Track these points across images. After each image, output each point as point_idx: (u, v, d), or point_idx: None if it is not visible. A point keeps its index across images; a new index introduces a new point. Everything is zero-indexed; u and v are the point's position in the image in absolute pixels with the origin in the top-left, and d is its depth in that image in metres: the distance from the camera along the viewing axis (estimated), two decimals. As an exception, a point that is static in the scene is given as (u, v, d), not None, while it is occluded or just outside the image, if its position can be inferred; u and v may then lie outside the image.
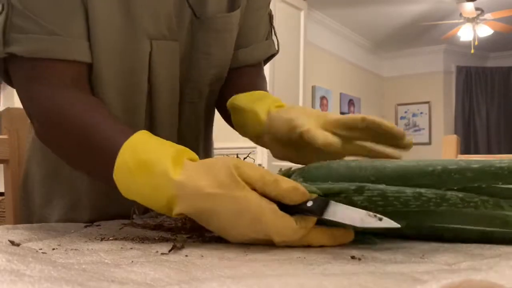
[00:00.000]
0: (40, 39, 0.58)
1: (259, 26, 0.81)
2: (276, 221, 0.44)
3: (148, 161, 0.49)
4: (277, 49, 0.85)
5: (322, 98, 5.21)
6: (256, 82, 0.78)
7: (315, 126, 0.59)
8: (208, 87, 0.75)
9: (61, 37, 0.59)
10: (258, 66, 0.83)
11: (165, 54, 0.68)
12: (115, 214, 0.70)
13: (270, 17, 0.83)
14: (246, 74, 0.80)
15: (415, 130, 6.29)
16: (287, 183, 0.45)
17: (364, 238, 0.50)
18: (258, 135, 0.68)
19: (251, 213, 0.44)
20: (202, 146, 0.83)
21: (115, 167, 0.50)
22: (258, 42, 0.81)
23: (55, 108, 0.58)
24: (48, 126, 0.60)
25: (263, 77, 0.83)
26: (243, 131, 0.72)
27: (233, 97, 0.72)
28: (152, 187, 0.48)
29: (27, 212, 0.77)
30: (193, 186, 0.46)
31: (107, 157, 0.51)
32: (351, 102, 5.80)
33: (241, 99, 0.71)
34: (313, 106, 5.05)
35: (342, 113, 5.60)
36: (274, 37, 0.85)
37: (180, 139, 0.75)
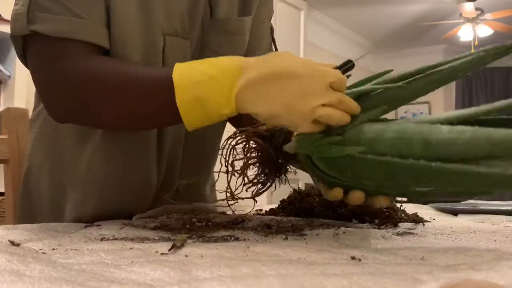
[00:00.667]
0: (64, 20, 0.59)
1: (263, 38, 0.84)
2: (330, 69, 0.52)
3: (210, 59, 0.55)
4: None
5: (322, 98, 5.21)
6: None
7: None
8: None
9: (84, 20, 0.61)
10: None
11: (177, 51, 0.70)
12: (115, 211, 0.71)
13: (271, 30, 0.87)
14: None
15: (415, 130, 6.29)
16: None
17: (365, 239, 0.50)
18: None
19: (312, 63, 0.51)
20: (211, 145, 0.83)
21: (174, 71, 0.53)
22: (262, 52, 0.83)
23: (86, 70, 0.59)
24: (80, 90, 0.59)
25: None
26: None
27: None
28: (218, 68, 0.52)
29: (27, 205, 0.77)
30: (256, 58, 0.52)
31: (161, 78, 0.54)
32: (351, 102, 5.80)
33: None
34: (313, 106, 5.04)
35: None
36: (273, 49, 0.88)
37: (188, 137, 0.76)
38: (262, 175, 0.59)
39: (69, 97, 0.60)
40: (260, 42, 0.84)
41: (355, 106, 0.52)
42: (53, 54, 0.60)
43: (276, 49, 0.89)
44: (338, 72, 0.52)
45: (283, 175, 0.60)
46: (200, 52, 0.74)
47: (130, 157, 0.71)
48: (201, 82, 0.52)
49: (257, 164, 0.60)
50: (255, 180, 0.60)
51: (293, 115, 0.50)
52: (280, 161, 0.59)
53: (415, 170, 0.46)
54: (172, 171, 0.76)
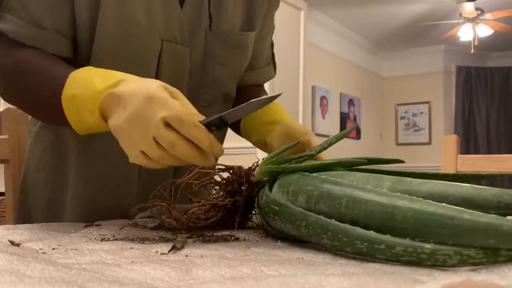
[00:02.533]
0: (25, 26, 0.63)
1: (263, 53, 0.89)
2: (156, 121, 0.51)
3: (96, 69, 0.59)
4: (275, 74, 0.96)
5: (322, 98, 5.21)
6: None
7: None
8: (222, 95, 0.81)
9: (45, 31, 0.64)
10: (261, 86, 0.93)
11: (174, 57, 0.72)
12: (102, 210, 0.73)
13: (272, 45, 0.93)
14: (253, 93, 0.88)
15: (415, 130, 6.29)
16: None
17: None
18: (260, 141, 0.78)
19: (142, 115, 0.52)
20: None
21: (67, 80, 0.57)
22: (262, 66, 0.90)
23: (13, 62, 0.64)
24: (7, 79, 0.66)
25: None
26: (248, 135, 0.82)
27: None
28: (99, 76, 0.57)
29: (25, 211, 0.78)
30: (123, 85, 0.55)
31: (58, 82, 0.58)
32: (351, 102, 5.79)
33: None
34: (313, 106, 5.04)
35: (342, 113, 5.60)
36: (273, 63, 0.95)
37: None
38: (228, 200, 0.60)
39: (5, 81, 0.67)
40: (261, 56, 0.89)
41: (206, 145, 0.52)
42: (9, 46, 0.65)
43: (274, 64, 0.95)
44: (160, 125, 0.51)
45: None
46: (203, 60, 0.77)
47: (113, 159, 0.73)
48: (80, 84, 0.57)
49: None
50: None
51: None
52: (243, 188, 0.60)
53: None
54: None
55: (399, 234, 0.38)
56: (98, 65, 0.66)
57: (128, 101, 0.53)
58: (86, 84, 0.56)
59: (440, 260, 0.35)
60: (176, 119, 0.51)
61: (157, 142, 0.51)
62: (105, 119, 0.56)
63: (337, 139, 0.58)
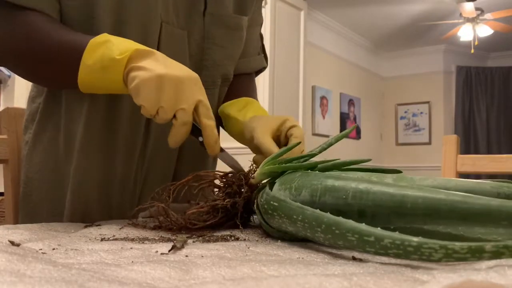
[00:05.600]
0: None
1: (253, 41, 0.92)
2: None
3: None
4: (267, 64, 0.98)
5: (322, 98, 5.21)
6: (249, 88, 0.91)
7: (265, 134, 0.70)
8: (221, 76, 0.84)
9: None
10: (251, 75, 0.95)
11: (172, 40, 0.75)
12: (103, 211, 0.73)
13: (261, 36, 0.97)
14: (243, 80, 0.91)
15: (415, 130, 6.29)
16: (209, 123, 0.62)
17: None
18: (240, 139, 0.80)
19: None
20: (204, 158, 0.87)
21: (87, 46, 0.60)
22: (252, 55, 0.93)
23: (23, 31, 0.65)
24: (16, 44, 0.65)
25: (254, 84, 0.96)
26: (230, 133, 0.83)
27: (222, 105, 0.84)
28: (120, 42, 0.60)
29: (30, 211, 0.76)
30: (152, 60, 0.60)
31: (77, 49, 0.61)
32: (351, 102, 5.79)
33: (228, 107, 0.82)
34: (313, 106, 5.04)
35: (342, 113, 5.60)
36: (263, 54, 0.98)
37: (183, 156, 0.81)
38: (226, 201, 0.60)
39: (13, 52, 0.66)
40: (251, 45, 0.92)
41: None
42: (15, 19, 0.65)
43: (265, 55, 0.97)
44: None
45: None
46: (201, 43, 0.79)
47: (115, 160, 0.74)
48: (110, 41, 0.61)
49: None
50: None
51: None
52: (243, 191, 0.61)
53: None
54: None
55: (409, 222, 0.38)
56: None
57: (173, 65, 0.60)
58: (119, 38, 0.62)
59: (426, 254, 0.34)
60: (206, 106, 0.61)
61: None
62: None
63: (336, 140, 0.59)
